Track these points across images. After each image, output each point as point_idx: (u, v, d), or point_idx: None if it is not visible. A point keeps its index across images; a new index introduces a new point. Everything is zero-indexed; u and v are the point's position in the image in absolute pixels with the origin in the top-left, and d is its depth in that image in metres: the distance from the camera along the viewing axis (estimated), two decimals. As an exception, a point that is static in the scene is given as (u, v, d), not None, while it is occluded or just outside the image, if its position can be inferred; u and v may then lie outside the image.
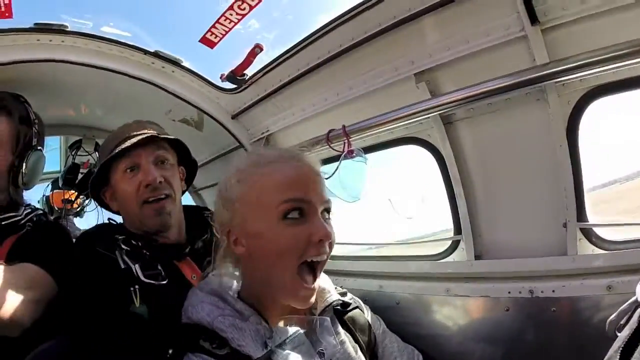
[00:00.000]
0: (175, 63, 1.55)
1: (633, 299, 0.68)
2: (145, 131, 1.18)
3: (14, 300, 0.89)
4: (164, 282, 1.05)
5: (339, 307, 0.97)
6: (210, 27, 1.39)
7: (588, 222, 1.06)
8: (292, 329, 0.84)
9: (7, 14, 1.19)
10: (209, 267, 0.95)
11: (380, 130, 1.30)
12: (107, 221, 1.26)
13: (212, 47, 1.45)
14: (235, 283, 0.91)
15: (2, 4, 1.16)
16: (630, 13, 0.89)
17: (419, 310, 1.25)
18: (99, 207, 1.89)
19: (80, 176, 2.01)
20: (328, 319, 0.91)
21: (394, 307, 1.29)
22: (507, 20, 1.03)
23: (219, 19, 1.36)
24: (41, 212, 1.27)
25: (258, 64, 1.52)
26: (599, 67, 0.89)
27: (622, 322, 0.71)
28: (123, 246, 1.08)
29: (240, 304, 0.84)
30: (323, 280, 0.99)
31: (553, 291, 1.01)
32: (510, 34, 1.03)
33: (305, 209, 0.80)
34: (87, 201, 2.04)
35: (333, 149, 1.35)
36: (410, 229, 1.61)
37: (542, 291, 1.03)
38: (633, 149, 1.20)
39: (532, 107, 1.11)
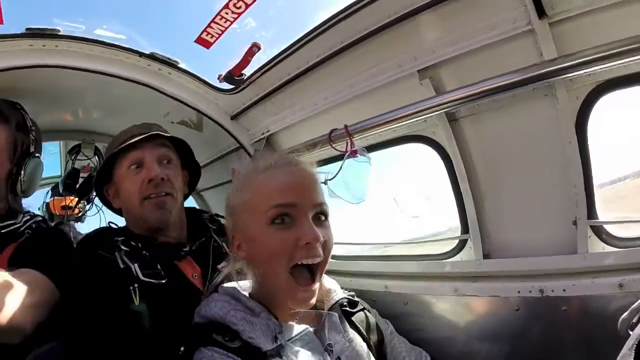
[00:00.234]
0: (172, 65, 1.52)
1: None
2: (151, 131, 1.22)
3: (15, 307, 0.88)
4: (164, 281, 1.06)
5: (346, 308, 1.00)
6: (206, 27, 1.35)
7: (598, 219, 1.04)
8: (302, 326, 0.87)
9: (-3, 20, 1.16)
10: (218, 276, 0.98)
11: (384, 129, 1.27)
12: (108, 225, 1.28)
13: (208, 48, 1.42)
14: (247, 284, 0.95)
15: (-8, 10, 1.13)
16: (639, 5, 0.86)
17: (426, 310, 1.24)
18: (100, 211, 1.89)
19: (80, 180, 1.99)
20: (336, 314, 0.94)
21: (401, 307, 1.28)
22: (514, 14, 0.99)
23: (214, 18, 1.32)
24: (40, 218, 1.27)
25: (256, 63, 1.49)
26: (609, 62, 0.86)
27: (635, 320, 0.70)
28: (122, 247, 1.10)
29: (251, 302, 0.87)
30: (329, 282, 1.03)
31: (564, 290, 1.00)
32: (516, 27, 1.00)
33: (292, 213, 0.83)
34: (87, 206, 2.02)
35: (335, 150, 1.33)
36: (414, 228, 1.60)
37: (552, 290, 1.02)
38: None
39: (539, 102, 1.08)
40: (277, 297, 0.86)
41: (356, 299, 1.05)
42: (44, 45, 1.27)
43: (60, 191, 2.03)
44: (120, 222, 1.29)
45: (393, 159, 1.56)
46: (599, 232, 1.04)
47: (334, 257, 0.89)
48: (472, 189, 1.24)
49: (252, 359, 0.78)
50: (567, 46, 0.96)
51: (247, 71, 1.52)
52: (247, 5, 1.27)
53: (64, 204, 2.07)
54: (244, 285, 0.94)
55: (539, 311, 1.03)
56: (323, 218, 0.87)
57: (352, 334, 0.95)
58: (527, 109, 1.11)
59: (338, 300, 0.98)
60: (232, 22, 1.33)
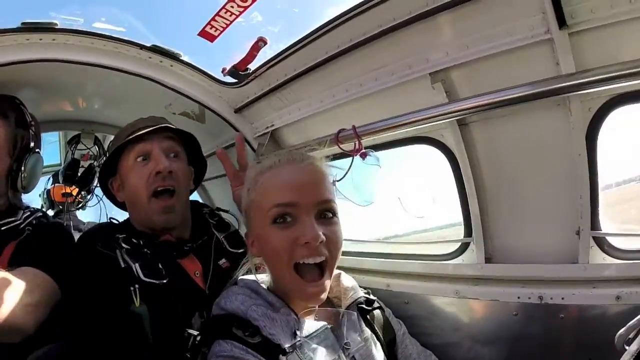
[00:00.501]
0: (174, 57, 1.47)
1: None
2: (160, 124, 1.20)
3: (16, 307, 0.88)
4: (165, 280, 1.06)
5: (363, 305, 1.02)
6: (210, 20, 1.29)
7: (601, 230, 1.06)
8: (319, 324, 0.89)
9: (-8, 15, 1.11)
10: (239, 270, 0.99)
11: (393, 132, 1.25)
12: (109, 214, 1.28)
13: (211, 41, 1.36)
14: (265, 277, 0.96)
15: (-15, 4, 1.07)
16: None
17: (427, 310, 1.27)
18: (100, 201, 1.89)
19: (80, 170, 1.97)
20: (355, 313, 0.96)
21: (402, 306, 1.30)
22: (532, 20, 0.96)
23: (219, 11, 1.26)
24: (41, 214, 1.26)
25: (262, 57, 1.44)
26: (627, 81, 0.84)
27: (631, 336, 0.73)
28: (123, 245, 1.09)
29: (272, 296, 0.89)
30: (348, 280, 1.05)
31: (562, 298, 1.03)
32: (534, 35, 0.97)
33: (293, 212, 0.84)
34: (88, 196, 2.01)
35: (343, 150, 1.31)
36: (416, 224, 1.61)
37: (551, 298, 1.04)
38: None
39: (552, 112, 1.06)
40: (289, 293, 0.88)
41: (372, 297, 1.07)
42: (40, 39, 1.22)
43: (61, 182, 2.01)
44: (121, 217, 1.28)
45: (398, 157, 1.55)
46: (601, 243, 1.06)
47: None
48: (478, 192, 1.24)
49: (271, 355, 0.79)
50: (585, 58, 0.94)
51: (252, 65, 1.47)
52: (254, -1, 1.21)
53: (64, 191, 2.06)
54: (263, 279, 0.95)
55: (537, 317, 1.06)
56: (330, 215, 0.87)
57: (367, 332, 0.97)
58: (539, 117, 1.10)
59: (357, 299, 1.00)
60: (237, 16, 1.27)
